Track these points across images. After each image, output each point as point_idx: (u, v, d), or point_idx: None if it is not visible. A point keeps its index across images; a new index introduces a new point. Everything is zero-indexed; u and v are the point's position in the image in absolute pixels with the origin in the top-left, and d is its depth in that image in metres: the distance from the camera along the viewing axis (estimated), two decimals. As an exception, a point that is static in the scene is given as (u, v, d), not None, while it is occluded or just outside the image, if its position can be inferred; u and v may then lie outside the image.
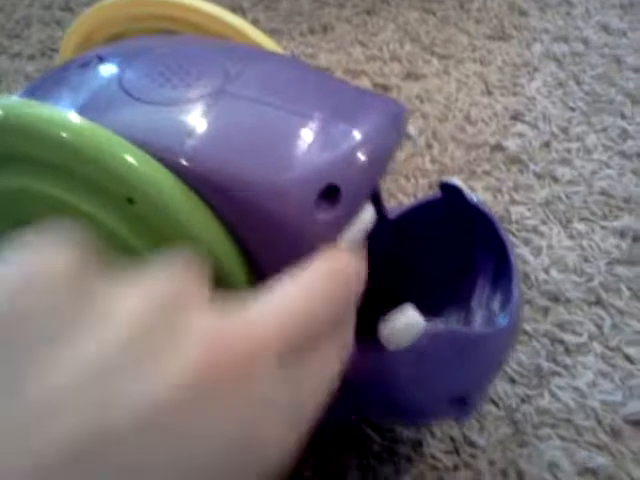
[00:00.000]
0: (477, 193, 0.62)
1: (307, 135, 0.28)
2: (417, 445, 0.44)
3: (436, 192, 0.43)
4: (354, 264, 0.26)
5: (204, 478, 0.20)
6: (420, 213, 0.44)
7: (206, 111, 0.29)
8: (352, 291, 0.26)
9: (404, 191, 0.63)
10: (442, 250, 0.43)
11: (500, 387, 0.46)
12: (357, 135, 0.29)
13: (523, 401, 0.45)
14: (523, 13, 0.88)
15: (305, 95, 0.32)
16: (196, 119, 0.28)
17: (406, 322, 0.31)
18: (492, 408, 0.45)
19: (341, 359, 0.26)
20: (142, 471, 0.19)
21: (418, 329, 0.32)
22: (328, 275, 0.25)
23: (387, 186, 0.63)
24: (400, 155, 0.68)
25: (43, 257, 0.21)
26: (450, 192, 0.42)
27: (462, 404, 0.36)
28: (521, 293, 0.39)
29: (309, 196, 0.27)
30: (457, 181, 0.41)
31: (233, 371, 0.21)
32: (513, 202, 0.61)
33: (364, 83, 0.77)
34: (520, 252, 0.56)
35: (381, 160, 0.30)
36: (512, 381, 0.47)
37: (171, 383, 0.20)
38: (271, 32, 0.86)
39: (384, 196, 0.45)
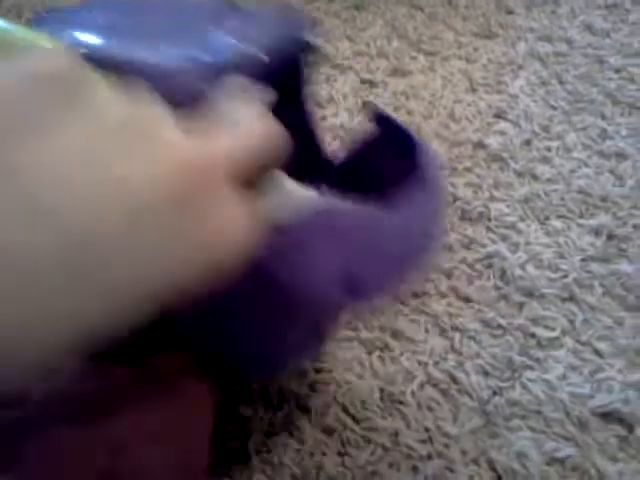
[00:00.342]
0: (458, 189, 0.64)
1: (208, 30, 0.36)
2: (392, 434, 0.45)
3: (372, 128, 0.45)
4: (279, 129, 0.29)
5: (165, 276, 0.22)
6: (363, 154, 0.46)
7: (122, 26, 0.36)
8: (277, 151, 0.28)
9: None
10: (383, 183, 0.44)
11: (474, 379, 0.48)
12: (244, 32, 0.35)
13: (495, 393, 0.47)
14: (509, 11, 0.90)
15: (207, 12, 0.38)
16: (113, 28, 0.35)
17: (296, 197, 0.31)
18: (465, 399, 0.47)
19: (250, 221, 0.27)
20: (125, 267, 0.21)
21: (309, 203, 0.32)
22: (261, 130, 0.28)
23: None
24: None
25: (45, 56, 0.23)
26: (382, 123, 0.44)
27: (356, 287, 0.34)
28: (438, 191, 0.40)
29: (195, 74, 0.32)
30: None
31: (204, 181, 0.23)
32: (493, 199, 0.63)
33: (351, 79, 0.79)
34: (498, 248, 0.58)
35: (267, 50, 0.35)
36: (485, 373, 0.48)
37: (154, 183, 0.22)
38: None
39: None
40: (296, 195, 0.31)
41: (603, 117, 0.71)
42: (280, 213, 0.30)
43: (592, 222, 0.60)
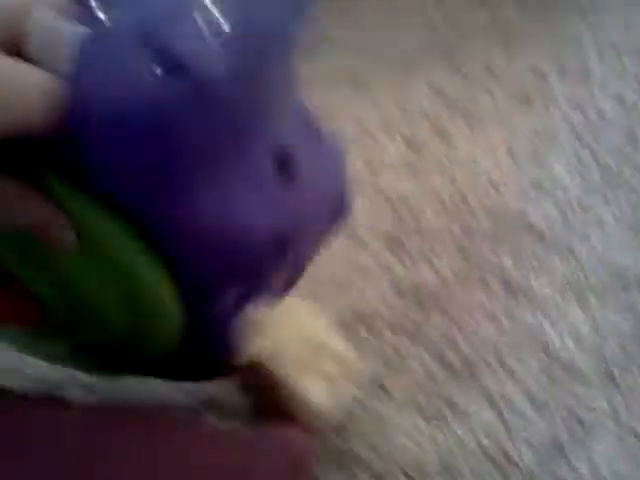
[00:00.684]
0: (502, 259, 0.69)
1: None
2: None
3: None
4: None
5: None
6: None
7: None
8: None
9: (435, 252, 0.70)
10: None
11: (523, 452, 0.53)
12: None
13: (543, 468, 0.52)
14: (544, 77, 0.95)
15: None
16: None
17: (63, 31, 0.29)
18: (516, 472, 0.52)
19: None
20: None
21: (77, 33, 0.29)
22: None
23: (419, 254, 0.70)
24: (428, 212, 0.74)
25: None
26: None
27: (172, 66, 0.30)
28: None
29: None
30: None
31: None
32: (533, 271, 0.68)
33: (396, 140, 0.84)
34: (539, 322, 0.63)
35: None
36: (533, 448, 0.54)
37: None
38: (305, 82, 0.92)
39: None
40: (63, 30, 0.29)
41: (635, 192, 0.77)
42: (49, 52, 0.29)
43: (627, 300, 0.65)
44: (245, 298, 0.40)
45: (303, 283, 0.64)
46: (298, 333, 0.53)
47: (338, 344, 0.54)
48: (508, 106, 0.90)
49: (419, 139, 0.84)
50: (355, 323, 0.63)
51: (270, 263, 0.37)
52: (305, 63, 0.41)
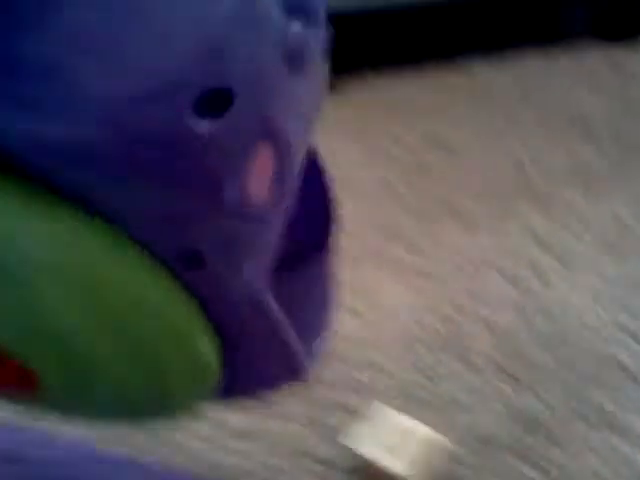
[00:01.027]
0: (603, 403, 0.79)
1: None
2: None
3: None
4: None
5: None
6: None
7: None
8: None
9: (541, 383, 0.80)
10: None
11: None
12: None
13: None
14: (623, 222, 1.06)
15: None
16: None
17: None
18: None
19: None
20: None
21: None
22: None
23: (528, 384, 0.80)
24: (531, 346, 0.85)
25: None
26: None
27: None
28: None
29: None
30: None
31: None
32: (627, 409, 0.78)
33: (494, 274, 0.95)
34: (635, 455, 0.73)
35: None
36: None
37: None
38: (408, 211, 1.05)
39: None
40: None
41: None
42: None
43: None
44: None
45: (425, 404, 0.75)
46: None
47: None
48: (593, 250, 1.01)
49: (516, 275, 0.95)
50: (474, 443, 0.73)
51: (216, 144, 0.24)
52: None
